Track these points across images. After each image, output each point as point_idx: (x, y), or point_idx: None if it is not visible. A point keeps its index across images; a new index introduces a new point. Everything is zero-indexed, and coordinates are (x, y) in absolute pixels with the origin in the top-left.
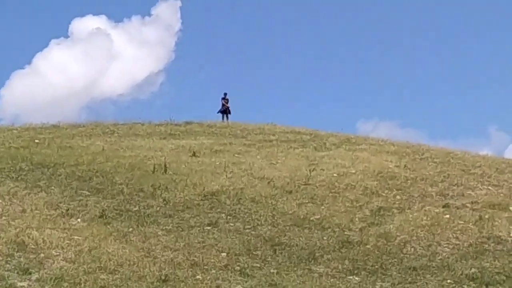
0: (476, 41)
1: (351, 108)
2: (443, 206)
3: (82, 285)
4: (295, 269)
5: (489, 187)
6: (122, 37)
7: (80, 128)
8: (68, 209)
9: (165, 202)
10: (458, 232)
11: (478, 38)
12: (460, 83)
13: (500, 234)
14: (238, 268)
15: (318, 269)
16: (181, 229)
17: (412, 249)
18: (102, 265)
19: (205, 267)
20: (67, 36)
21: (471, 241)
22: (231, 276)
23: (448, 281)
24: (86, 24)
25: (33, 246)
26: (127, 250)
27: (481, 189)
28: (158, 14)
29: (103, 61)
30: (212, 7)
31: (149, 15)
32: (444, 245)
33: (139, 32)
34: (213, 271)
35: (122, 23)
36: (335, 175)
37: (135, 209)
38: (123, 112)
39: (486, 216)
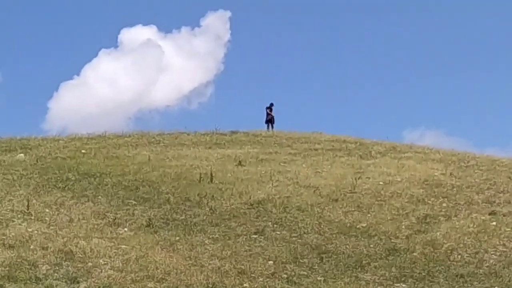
0: None
1: (397, 117)
2: (490, 213)
3: None
4: (342, 276)
5: None
6: (172, 48)
7: (126, 138)
8: (115, 219)
9: (211, 211)
10: (505, 239)
11: None
12: (509, 90)
13: None
14: (285, 276)
15: (365, 277)
16: (227, 238)
17: (459, 256)
18: (149, 273)
19: (252, 275)
20: (116, 46)
21: None
22: (278, 284)
23: (496, 287)
24: (136, 35)
25: (80, 255)
26: (174, 259)
27: None
28: (208, 24)
29: (152, 72)
30: (262, 16)
31: (199, 26)
32: (491, 252)
33: (189, 43)
34: (260, 279)
35: (171, 34)
36: (381, 183)
37: (182, 218)
38: (171, 123)
39: None
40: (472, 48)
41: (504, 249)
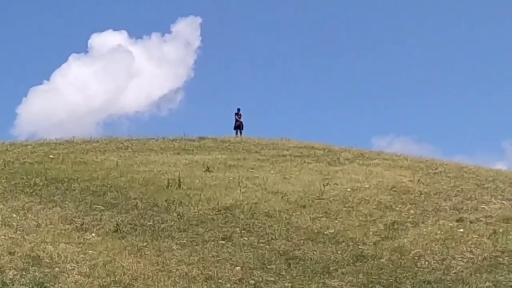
0: (491, 56)
1: (366, 124)
2: (457, 220)
3: None
4: (309, 283)
5: (503, 201)
6: (142, 54)
7: (94, 143)
8: (82, 224)
9: (179, 216)
10: (473, 246)
11: (492, 53)
12: (476, 99)
13: None
14: (253, 282)
15: (332, 283)
16: (195, 243)
17: (426, 263)
18: (116, 279)
19: (220, 281)
20: (86, 52)
21: (486, 255)
22: None
23: None
24: (106, 40)
25: (48, 261)
26: (141, 264)
27: (495, 203)
28: (178, 31)
29: (122, 78)
30: (232, 23)
31: (169, 32)
32: (459, 259)
33: (159, 49)
34: (228, 285)
35: (142, 40)
36: (348, 189)
37: (149, 223)
38: (140, 129)
39: (500, 230)
40: (439, 57)
41: (471, 256)
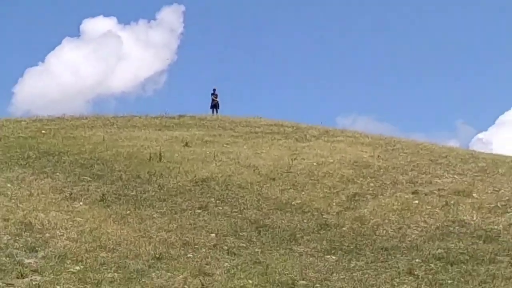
0: (447, 42)
1: (331, 103)
2: (413, 193)
3: (84, 262)
4: (277, 248)
5: (455, 176)
6: (130, 39)
7: (83, 120)
8: (71, 193)
9: (160, 187)
10: (426, 216)
11: (448, 39)
12: (432, 80)
13: (464, 218)
14: (226, 247)
15: (298, 249)
16: (174, 212)
17: (384, 231)
18: (102, 244)
19: (196, 246)
20: (78, 36)
21: (438, 224)
22: (219, 255)
23: (417, 260)
24: (97, 25)
25: (39, 227)
26: (125, 231)
27: (447, 178)
28: (163, 18)
29: (112, 60)
30: (214, 11)
31: (155, 19)
32: (413, 228)
33: (145, 34)
34: (203, 250)
35: (130, 26)
36: (314, 164)
37: (133, 193)
38: (127, 108)
39: (452, 202)
40: (400, 40)
41: (425, 225)
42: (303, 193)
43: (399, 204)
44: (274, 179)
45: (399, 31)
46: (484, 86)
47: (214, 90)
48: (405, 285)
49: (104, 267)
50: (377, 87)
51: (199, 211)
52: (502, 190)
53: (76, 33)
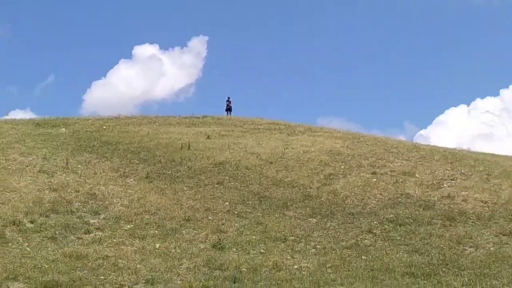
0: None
1: (314, 108)
2: (372, 173)
3: (133, 222)
4: (274, 213)
5: (402, 161)
6: (168, 61)
7: (133, 119)
8: (124, 172)
9: (188, 168)
10: (382, 190)
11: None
12: (387, 91)
13: (409, 192)
14: (236, 212)
15: (289, 213)
16: (199, 186)
17: (351, 201)
18: (146, 209)
19: (214, 211)
20: (131, 57)
21: (390, 196)
22: (231, 218)
23: (375, 222)
24: (144, 50)
25: (101, 196)
26: (163, 200)
27: (397, 162)
28: (192, 45)
29: (155, 76)
30: (227, 42)
31: (186, 46)
32: (372, 199)
33: (179, 57)
34: (220, 214)
35: (168, 51)
36: (301, 152)
37: (169, 173)
38: (166, 110)
39: (400, 180)
40: (366, 51)
41: (381, 197)
42: (292, 173)
43: (362, 181)
44: (271, 163)
45: (365, 40)
46: (424, 95)
47: (228, 98)
48: (366, 240)
49: (148, 226)
50: (347, 94)
51: (217, 185)
52: (437, 172)
53: (129, 56)
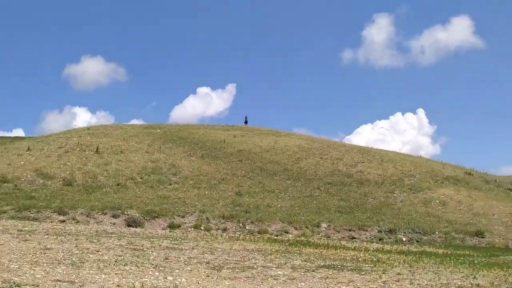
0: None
1: (291, 120)
2: (320, 158)
3: (194, 180)
4: (269, 179)
5: (336, 152)
6: (215, 96)
7: (195, 126)
8: (190, 154)
9: (224, 153)
10: (326, 166)
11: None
12: (331, 99)
13: (340, 168)
14: (248, 176)
15: (276, 178)
16: (228, 162)
17: (309, 172)
18: (200, 173)
19: (236, 176)
20: (195, 94)
21: (329, 170)
22: (246, 179)
23: (321, 183)
24: (202, 90)
25: (177, 166)
26: (210, 169)
27: (333, 152)
28: (227, 88)
29: (207, 104)
30: (249, 85)
31: (224, 88)
32: (321, 170)
33: (220, 95)
34: (239, 177)
35: (215, 91)
36: (283, 145)
37: (213, 154)
38: (212, 122)
39: (335, 162)
40: (307, 64)
41: (325, 170)
42: (278, 156)
43: (314, 162)
44: (268, 151)
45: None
46: (351, 118)
47: (245, 117)
48: (316, 193)
49: (201, 183)
50: (310, 113)
51: (238, 162)
52: (354, 158)
53: (195, 92)
